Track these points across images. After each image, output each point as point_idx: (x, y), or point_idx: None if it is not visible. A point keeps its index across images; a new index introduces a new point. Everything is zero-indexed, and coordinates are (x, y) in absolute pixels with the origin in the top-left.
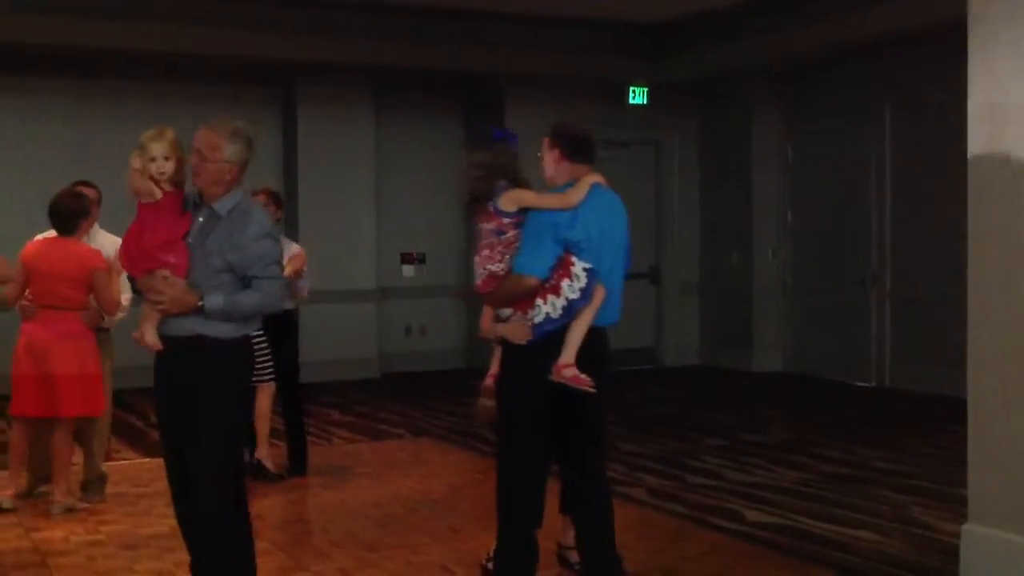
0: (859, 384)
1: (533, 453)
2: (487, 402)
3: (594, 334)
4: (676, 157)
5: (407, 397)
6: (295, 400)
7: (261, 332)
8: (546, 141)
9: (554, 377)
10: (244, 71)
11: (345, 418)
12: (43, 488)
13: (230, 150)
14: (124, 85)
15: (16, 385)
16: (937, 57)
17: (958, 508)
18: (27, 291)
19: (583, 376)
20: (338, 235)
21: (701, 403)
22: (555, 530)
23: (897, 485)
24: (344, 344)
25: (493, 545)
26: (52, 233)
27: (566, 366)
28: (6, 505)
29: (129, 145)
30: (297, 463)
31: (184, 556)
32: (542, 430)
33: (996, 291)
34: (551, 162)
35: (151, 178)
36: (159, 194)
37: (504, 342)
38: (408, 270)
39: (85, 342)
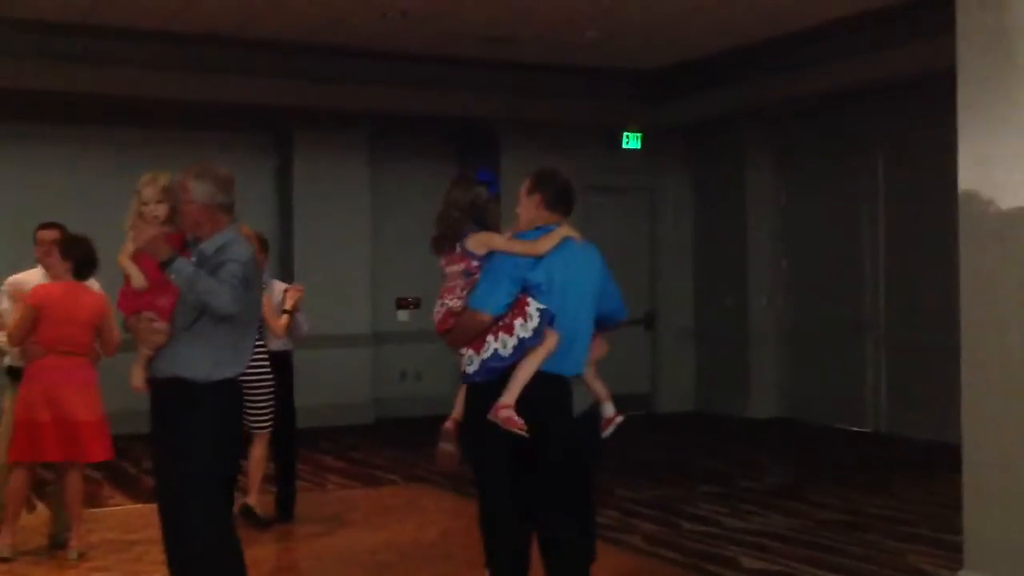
0: (855, 430)
1: (503, 493)
2: (447, 447)
3: (557, 382)
4: (670, 202)
5: (402, 442)
6: (290, 444)
7: (271, 378)
8: (529, 183)
9: (490, 416)
10: (240, 116)
11: (339, 463)
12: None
13: (197, 190)
14: (120, 131)
15: (31, 431)
16: (929, 103)
17: (954, 555)
18: (33, 335)
19: (517, 419)
20: (333, 279)
21: (696, 449)
22: None
23: (893, 532)
24: (339, 389)
25: None
26: (34, 274)
27: (503, 407)
28: (6, 554)
29: (125, 191)
30: (284, 509)
31: None
32: (504, 469)
33: (989, 336)
34: (530, 206)
35: (146, 222)
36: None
37: (467, 386)
38: (403, 315)
39: (96, 387)
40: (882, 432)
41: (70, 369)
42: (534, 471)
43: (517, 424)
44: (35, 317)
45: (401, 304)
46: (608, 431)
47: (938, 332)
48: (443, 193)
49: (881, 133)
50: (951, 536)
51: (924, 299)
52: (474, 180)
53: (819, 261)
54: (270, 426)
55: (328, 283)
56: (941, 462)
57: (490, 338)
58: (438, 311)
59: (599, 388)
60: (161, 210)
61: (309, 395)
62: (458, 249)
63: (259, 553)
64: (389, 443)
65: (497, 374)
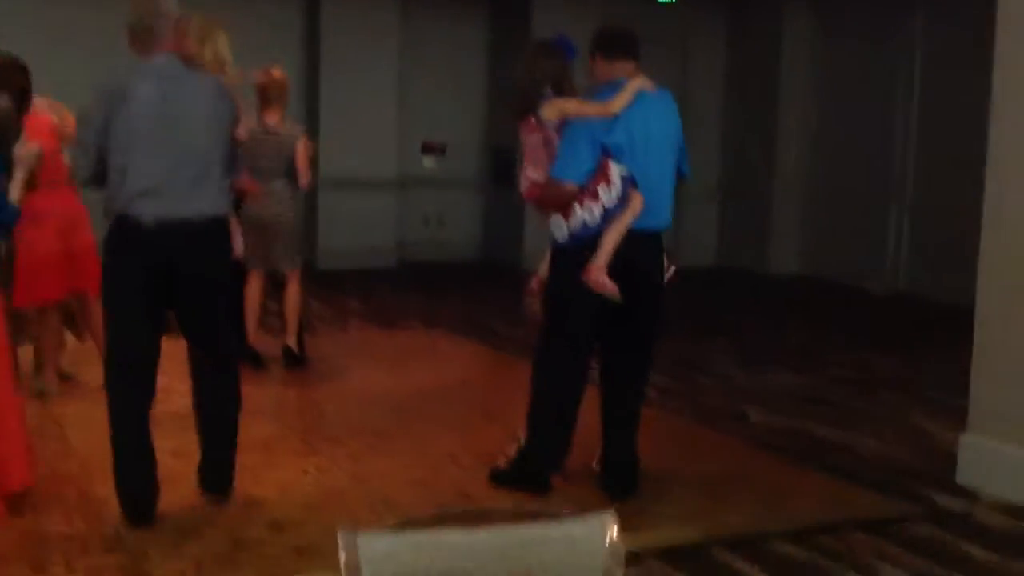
0: (875, 290)
1: (579, 354)
2: (531, 301)
3: (647, 239)
4: (701, 56)
5: (424, 287)
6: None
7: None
8: (590, 48)
9: (583, 277)
10: None
11: (361, 306)
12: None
13: None
14: None
15: (45, 268)
16: None
17: (960, 418)
18: None
19: (608, 282)
20: (359, 124)
21: (715, 304)
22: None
23: (902, 392)
24: (363, 232)
25: (508, 445)
26: None
27: (596, 269)
28: (52, 390)
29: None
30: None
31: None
32: (586, 336)
33: (1009, 197)
34: (595, 68)
35: None
36: None
37: (553, 245)
38: (428, 160)
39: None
40: (902, 292)
41: (67, 199)
42: (619, 328)
43: (609, 287)
44: None
45: (426, 148)
46: (667, 277)
47: (965, 196)
48: (524, 56)
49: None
50: (959, 400)
51: (955, 164)
52: (555, 45)
53: (850, 123)
54: (299, 264)
55: (354, 127)
56: (959, 325)
57: (576, 207)
58: (523, 181)
59: None
60: None
61: (333, 237)
62: (533, 120)
63: (282, 391)
64: (411, 287)
65: (585, 241)
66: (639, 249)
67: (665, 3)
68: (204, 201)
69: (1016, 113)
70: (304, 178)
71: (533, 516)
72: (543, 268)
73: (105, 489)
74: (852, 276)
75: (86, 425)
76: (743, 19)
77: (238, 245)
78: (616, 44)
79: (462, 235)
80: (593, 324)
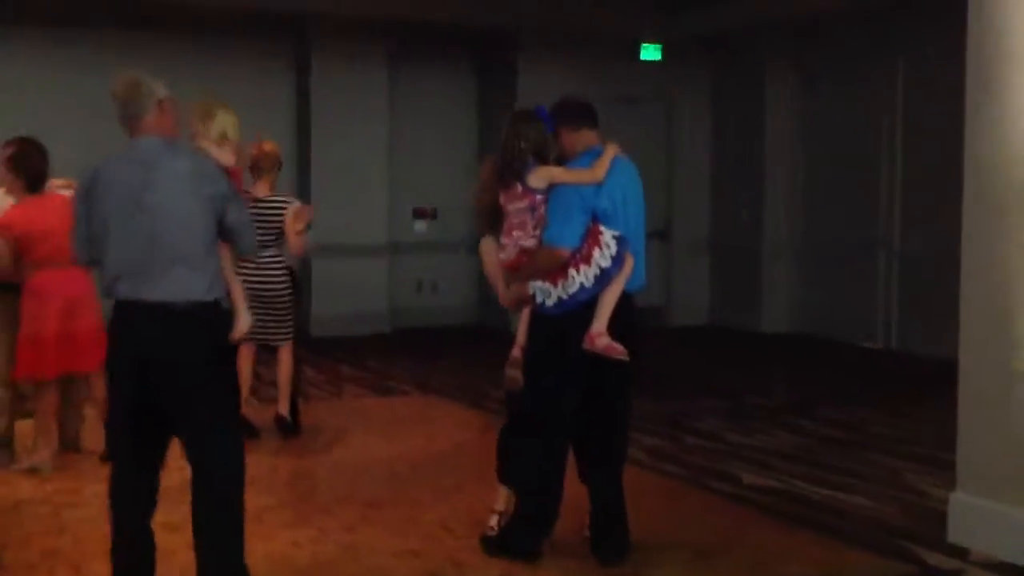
0: (866, 346)
1: (562, 421)
2: (515, 373)
3: (624, 301)
4: (687, 113)
5: (417, 353)
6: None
7: (290, 290)
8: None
9: (586, 346)
10: (257, 23)
11: (355, 373)
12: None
13: None
14: (132, 36)
15: (46, 346)
16: (949, 12)
17: (952, 475)
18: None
19: (616, 345)
20: (350, 189)
21: (707, 363)
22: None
23: (894, 450)
24: (356, 298)
25: (497, 509)
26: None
27: (599, 335)
28: (47, 468)
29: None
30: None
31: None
32: (571, 402)
33: (988, 250)
34: (564, 139)
35: None
36: None
37: (532, 311)
38: (420, 225)
39: (95, 296)
40: (893, 348)
41: (76, 280)
42: (603, 393)
43: (618, 350)
44: (11, 246)
45: (418, 214)
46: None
47: (953, 249)
48: (506, 125)
49: (901, 48)
50: (951, 456)
51: (939, 216)
52: (535, 113)
53: (836, 176)
54: (290, 336)
55: (345, 192)
56: (950, 380)
57: (572, 271)
58: (509, 250)
59: None
60: None
61: (326, 304)
62: (519, 187)
63: (275, 461)
64: (404, 353)
65: (582, 305)
66: (627, 310)
67: (650, 61)
68: (182, 284)
69: (987, 160)
70: (295, 242)
71: None
72: (521, 336)
73: (98, 567)
74: (844, 333)
75: (81, 501)
76: (727, 76)
77: (241, 326)
78: (579, 115)
79: (455, 300)
80: (576, 387)
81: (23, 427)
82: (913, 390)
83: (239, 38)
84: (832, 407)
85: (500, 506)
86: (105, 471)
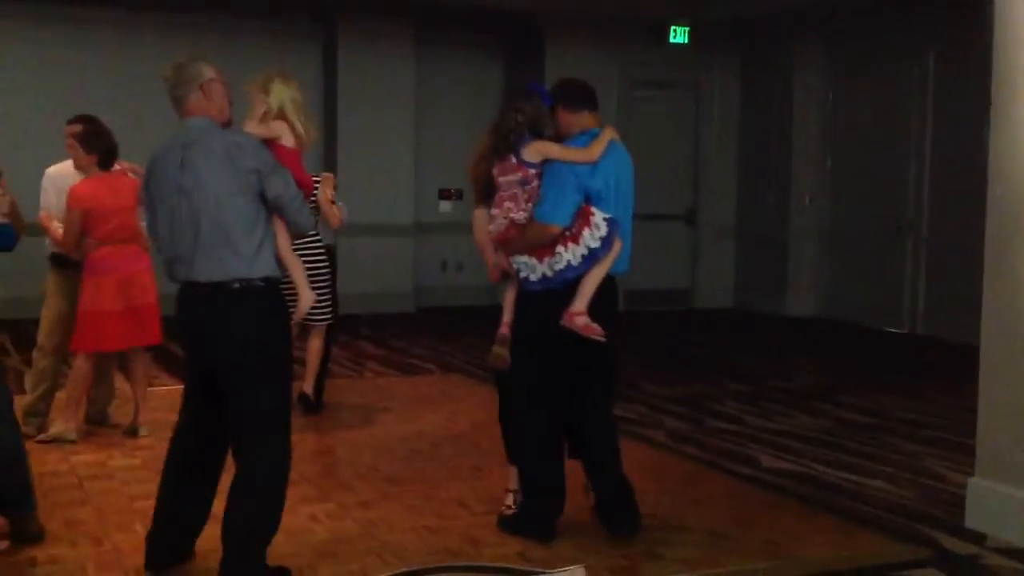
0: (891, 331)
1: (550, 399)
2: (502, 351)
3: (607, 282)
4: (716, 98)
5: (440, 332)
6: (328, 337)
7: (328, 270)
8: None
9: (565, 323)
10: (286, 5)
11: (378, 351)
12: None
13: None
14: (165, 18)
15: (97, 321)
16: (980, 6)
17: (972, 461)
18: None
19: (594, 325)
20: (376, 169)
21: (730, 347)
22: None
23: (915, 435)
24: (381, 278)
25: (511, 488)
26: (68, 167)
27: (578, 314)
28: (71, 437)
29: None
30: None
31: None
32: (555, 379)
33: (1011, 237)
34: (563, 120)
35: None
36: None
37: (518, 289)
38: (445, 206)
39: (152, 271)
40: (919, 334)
41: (130, 257)
42: (586, 372)
43: (595, 331)
44: (81, 218)
45: (444, 195)
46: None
47: (980, 235)
48: (502, 100)
49: (931, 36)
50: (972, 442)
51: (968, 202)
52: (533, 89)
53: (863, 162)
54: (329, 319)
55: (371, 173)
56: (975, 366)
57: (560, 249)
58: (500, 223)
59: None
60: None
61: (351, 283)
62: (513, 159)
63: (296, 437)
64: (428, 332)
65: (566, 283)
66: (609, 292)
67: (677, 45)
68: (224, 264)
69: (1013, 150)
70: (332, 213)
71: (508, 571)
72: (508, 313)
73: (120, 538)
74: (870, 317)
75: (105, 473)
76: (755, 61)
77: (303, 304)
78: (578, 96)
79: (480, 280)
80: (563, 359)
81: (60, 400)
82: (938, 376)
83: (267, 19)
84: (854, 392)
85: (513, 485)
86: (131, 445)
